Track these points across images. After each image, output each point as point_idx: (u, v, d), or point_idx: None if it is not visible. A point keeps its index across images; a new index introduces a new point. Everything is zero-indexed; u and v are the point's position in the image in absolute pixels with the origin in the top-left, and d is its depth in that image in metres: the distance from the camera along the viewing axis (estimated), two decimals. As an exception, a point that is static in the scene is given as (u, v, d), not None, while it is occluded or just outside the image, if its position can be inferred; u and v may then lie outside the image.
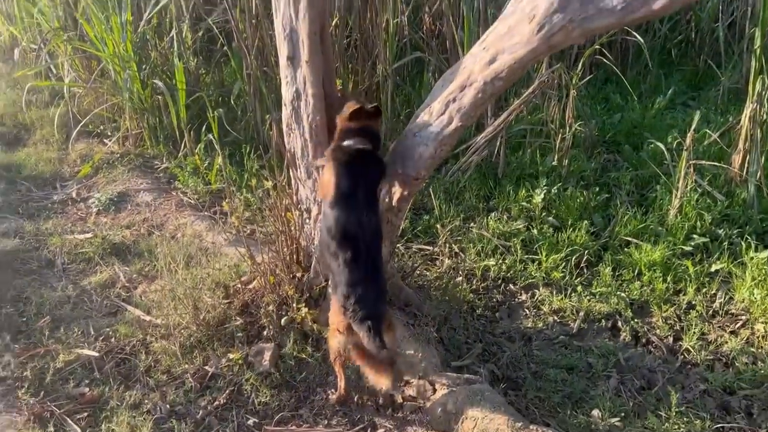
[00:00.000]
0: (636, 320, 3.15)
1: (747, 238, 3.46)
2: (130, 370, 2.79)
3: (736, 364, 2.87)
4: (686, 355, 2.96)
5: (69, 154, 4.80)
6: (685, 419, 2.54)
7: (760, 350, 2.94)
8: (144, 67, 4.58)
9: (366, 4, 4.58)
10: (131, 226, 3.92)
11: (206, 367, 2.75)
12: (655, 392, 2.73)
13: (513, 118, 3.97)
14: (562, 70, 4.31)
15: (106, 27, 4.43)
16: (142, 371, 2.76)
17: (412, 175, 2.54)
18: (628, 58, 5.60)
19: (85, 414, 2.56)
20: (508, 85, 2.53)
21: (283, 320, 2.83)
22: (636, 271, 3.42)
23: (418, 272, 3.39)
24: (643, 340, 3.07)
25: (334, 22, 4.50)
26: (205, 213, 3.97)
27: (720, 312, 3.18)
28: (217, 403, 2.61)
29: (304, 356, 2.77)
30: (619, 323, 3.15)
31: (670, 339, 3.06)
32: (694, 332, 3.03)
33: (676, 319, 3.16)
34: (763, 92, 3.67)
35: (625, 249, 3.56)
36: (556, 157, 4.15)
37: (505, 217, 3.80)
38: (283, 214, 2.88)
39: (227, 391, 2.65)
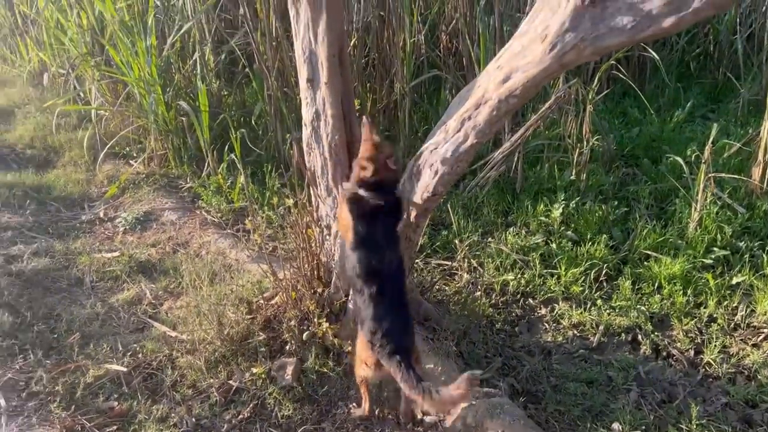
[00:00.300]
0: (656, 334, 3.15)
1: (768, 251, 3.45)
2: (157, 384, 2.86)
3: (759, 377, 2.86)
4: (707, 368, 2.95)
5: (96, 176, 4.93)
6: (706, 432, 2.54)
7: (782, 363, 2.92)
8: (168, 89, 4.71)
9: (383, 24, 4.68)
10: (157, 244, 4.02)
11: (230, 382, 2.81)
12: (676, 405, 2.73)
13: (530, 133, 4.00)
14: (578, 85, 4.35)
15: (132, 52, 4.57)
16: (169, 386, 2.83)
17: (429, 192, 2.58)
18: (646, 72, 5.62)
19: (115, 427, 2.62)
20: (523, 103, 2.58)
21: (304, 335, 2.88)
22: (656, 285, 3.42)
23: (437, 287, 3.43)
24: (664, 354, 3.07)
25: (352, 42, 4.60)
26: (229, 231, 4.05)
27: (742, 325, 3.17)
28: (241, 416, 2.66)
29: (325, 370, 2.82)
30: (640, 337, 3.15)
31: (691, 352, 3.05)
32: (716, 345, 3.02)
33: (697, 333, 3.15)
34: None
35: (645, 262, 3.56)
36: (574, 171, 4.18)
37: (523, 231, 3.83)
38: (303, 231, 2.94)
39: (251, 405, 2.70)
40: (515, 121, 4.48)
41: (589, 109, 4.11)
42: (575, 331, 3.23)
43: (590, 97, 4.11)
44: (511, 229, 3.86)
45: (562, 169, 4.27)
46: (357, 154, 2.79)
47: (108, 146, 4.85)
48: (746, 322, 3.17)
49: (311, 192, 3.04)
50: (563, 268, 3.53)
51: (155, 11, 4.63)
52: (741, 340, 3.09)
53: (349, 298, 2.87)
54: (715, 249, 3.54)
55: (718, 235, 3.61)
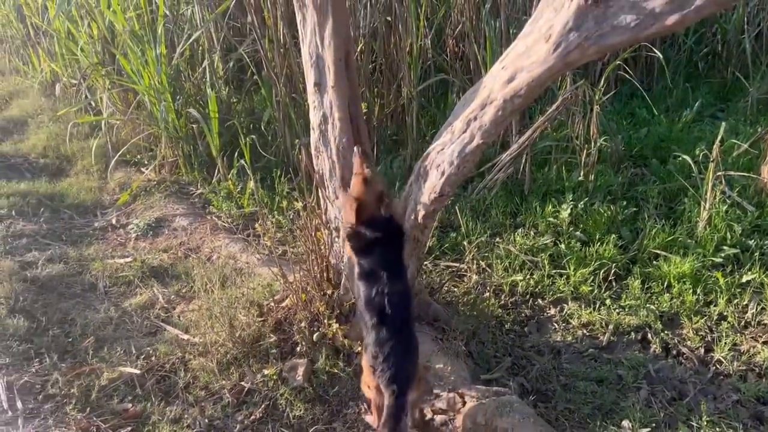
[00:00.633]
0: (666, 332, 3.15)
1: (779, 248, 3.45)
2: (170, 386, 2.90)
3: (770, 374, 2.85)
4: (718, 366, 2.95)
5: (108, 183, 5.00)
6: (717, 429, 2.53)
7: (794, 360, 2.91)
8: (178, 97, 4.77)
9: (390, 29, 4.72)
10: (168, 249, 4.07)
11: (242, 383, 2.84)
12: (687, 403, 2.73)
13: (538, 135, 4.02)
14: (586, 86, 4.36)
15: (142, 61, 4.63)
16: (182, 387, 2.86)
17: (437, 193, 2.61)
18: (653, 73, 5.61)
19: (129, 429, 2.66)
20: (528, 103, 2.60)
21: (315, 336, 2.91)
22: (665, 284, 3.41)
23: (446, 288, 3.44)
24: (674, 352, 3.06)
25: (359, 47, 4.64)
26: (239, 235, 4.09)
27: (752, 323, 3.16)
28: (253, 417, 2.69)
29: (336, 371, 2.85)
30: (649, 335, 3.15)
31: (702, 350, 3.05)
32: (726, 343, 3.02)
33: (707, 331, 3.15)
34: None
35: (654, 262, 3.56)
36: (582, 172, 4.18)
37: (532, 232, 3.84)
38: (313, 234, 2.97)
39: (263, 406, 2.73)
40: (523, 123, 4.50)
41: (597, 110, 4.12)
42: (585, 331, 3.23)
43: (597, 98, 4.12)
44: (520, 230, 3.87)
45: (570, 170, 4.27)
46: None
47: (119, 154, 4.92)
48: (757, 319, 3.16)
49: (320, 195, 3.07)
50: (572, 269, 3.53)
51: (164, 20, 4.69)
52: (751, 337, 3.08)
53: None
54: (724, 247, 3.53)
55: (728, 234, 3.60)
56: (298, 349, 2.95)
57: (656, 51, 4.92)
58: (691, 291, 3.30)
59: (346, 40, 2.73)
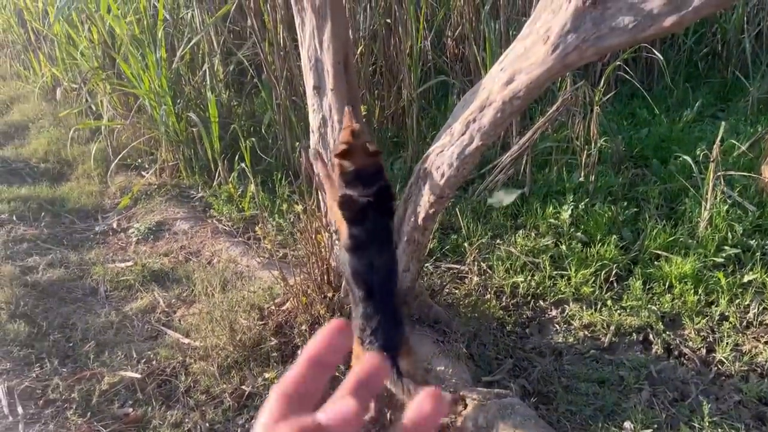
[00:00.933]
0: (668, 333, 3.14)
1: (780, 248, 3.44)
2: (170, 390, 2.90)
3: (772, 374, 2.85)
4: (720, 366, 2.94)
5: (109, 187, 5.00)
6: (719, 430, 2.52)
7: (796, 360, 2.90)
8: (178, 101, 4.77)
9: (390, 31, 4.72)
10: (169, 253, 4.07)
11: (243, 387, 2.84)
12: (689, 404, 2.72)
13: (538, 136, 4.02)
14: (586, 87, 4.36)
15: (142, 65, 4.64)
16: (183, 392, 2.86)
17: (436, 195, 2.61)
18: (653, 73, 5.61)
19: (130, 433, 2.67)
20: (527, 104, 2.60)
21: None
22: (667, 284, 3.41)
23: (447, 290, 3.44)
24: (676, 353, 3.06)
25: (359, 50, 4.65)
26: (240, 239, 4.09)
27: (754, 323, 3.15)
28: (254, 421, 2.68)
29: (336, 374, 2.84)
30: (651, 336, 3.14)
31: (703, 351, 3.04)
32: (728, 343, 3.01)
33: (708, 331, 3.14)
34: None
35: (655, 262, 3.55)
36: (582, 173, 4.18)
37: (533, 234, 3.84)
38: (313, 237, 2.97)
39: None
40: (523, 124, 4.50)
41: (597, 111, 4.12)
42: (586, 332, 3.23)
43: (598, 98, 4.12)
44: (521, 231, 3.86)
45: (571, 171, 4.27)
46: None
47: (120, 158, 4.92)
48: (759, 319, 3.16)
49: (320, 197, 3.07)
50: (573, 270, 3.53)
51: (164, 24, 4.70)
52: (753, 338, 3.07)
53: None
54: (726, 247, 3.53)
55: (729, 234, 3.60)
56: (298, 352, 2.94)
57: (656, 51, 4.92)
58: (692, 291, 3.30)
59: (345, 44, 2.73)
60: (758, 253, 3.47)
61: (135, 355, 3.12)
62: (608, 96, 4.55)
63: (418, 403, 0.54)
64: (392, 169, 4.55)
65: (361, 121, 2.70)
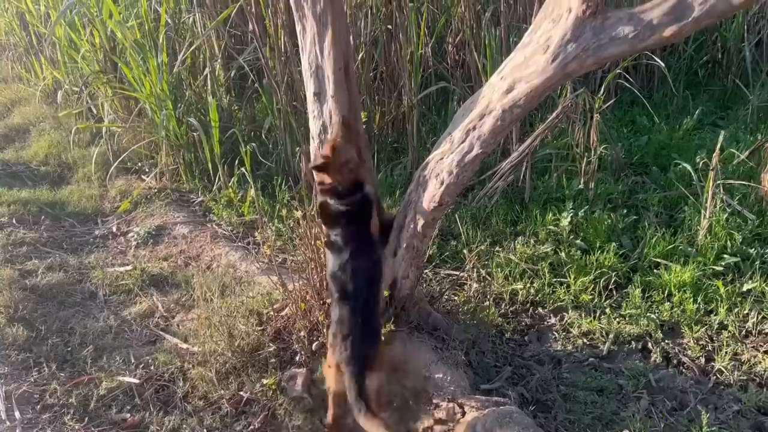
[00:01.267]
0: (667, 341, 3.14)
1: (779, 257, 3.44)
2: (168, 396, 2.89)
3: (771, 384, 2.84)
4: (719, 375, 2.94)
5: (109, 191, 5.00)
6: (718, 440, 2.52)
7: (795, 370, 2.90)
8: (179, 105, 4.78)
9: (391, 38, 4.73)
10: (169, 257, 4.07)
11: (241, 393, 2.83)
12: (687, 413, 2.72)
13: (538, 143, 4.03)
14: (586, 94, 4.36)
15: (144, 69, 4.64)
16: (180, 397, 2.86)
17: (436, 202, 2.61)
18: (654, 81, 5.62)
19: (127, 439, 2.67)
20: (526, 113, 2.61)
21: (314, 345, 2.91)
22: (666, 293, 3.41)
23: (446, 297, 3.44)
24: (674, 361, 3.05)
25: (360, 56, 4.66)
26: (239, 244, 4.09)
27: (753, 332, 3.16)
28: (252, 427, 2.68)
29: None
30: (650, 345, 3.14)
31: (702, 360, 3.04)
32: (727, 352, 3.01)
33: (707, 340, 3.14)
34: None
35: (655, 270, 3.55)
36: (582, 180, 4.18)
37: (532, 241, 3.83)
38: (312, 243, 2.97)
39: (262, 416, 2.73)
40: (523, 131, 4.51)
41: (597, 118, 4.12)
42: (585, 340, 3.22)
43: (598, 106, 4.12)
44: (520, 238, 3.86)
45: (571, 178, 4.27)
46: (364, 166, 2.83)
47: (120, 161, 4.92)
48: (758, 329, 3.16)
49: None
50: (572, 277, 3.53)
51: (166, 29, 4.71)
52: (752, 347, 3.07)
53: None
54: (725, 256, 3.53)
55: (728, 242, 3.60)
56: (297, 358, 2.94)
57: (657, 59, 4.92)
58: (691, 300, 3.30)
59: (345, 50, 2.74)
60: (758, 262, 3.47)
61: (133, 360, 3.12)
62: (608, 103, 4.56)
63: None
64: (392, 175, 4.55)
65: (357, 132, 2.70)
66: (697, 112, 5.07)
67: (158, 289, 3.74)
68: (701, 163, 3.96)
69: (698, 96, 5.51)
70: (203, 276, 3.69)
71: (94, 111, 5.74)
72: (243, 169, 4.30)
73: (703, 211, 3.67)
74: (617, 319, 3.28)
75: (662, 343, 3.12)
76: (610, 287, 3.49)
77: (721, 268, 3.46)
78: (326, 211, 2.50)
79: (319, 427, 2.69)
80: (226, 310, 3.18)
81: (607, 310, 3.33)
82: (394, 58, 4.74)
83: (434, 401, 2.68)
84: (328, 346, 2.42)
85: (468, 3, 4.64)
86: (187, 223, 4.42)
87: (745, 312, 3.24)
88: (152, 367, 3.07)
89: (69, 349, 3.23)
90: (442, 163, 2.58)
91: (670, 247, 3.63)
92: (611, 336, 3.19)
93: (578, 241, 3.78)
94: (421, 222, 2.72)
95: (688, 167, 3.98)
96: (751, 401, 2.74)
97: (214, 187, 4.63)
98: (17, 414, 2.78)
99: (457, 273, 3.69)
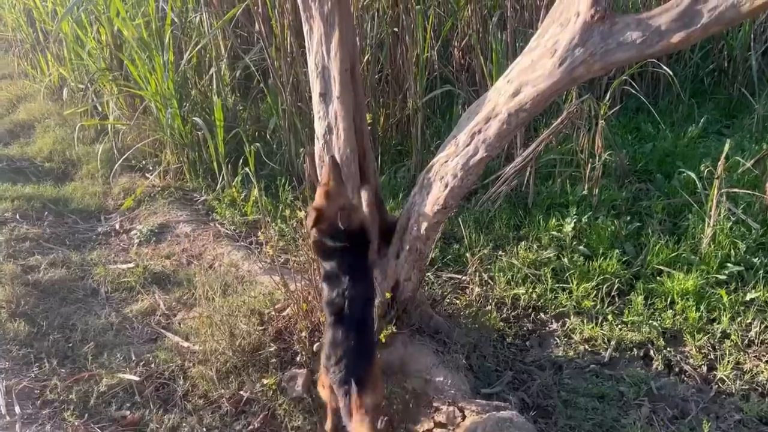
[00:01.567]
0: (669, 349, 3.14)
1: (783, 267, 3.43)
2: (168, 394, 2.89)
3: (773, 394, 2.83)
4: (721, 384, 2.93)
5: (113, 188, 5.00)
6: (719, 449, 2.51)
7: (797, 380, 2.89)
8: (184, 104, 4.78)
9: (397, 40, 4.74)
10: (171, 256, 4.07)
11: (241, 392, 2.83)
12: (688, 422, 2.71)
13: (542, 148, 4.02)
14: (591, 100, 4.36)
15: (149, 67, 4.65)
16: (181, 395, 2.85)
17: (440, 205, 2.61)
18: (659, 88, 5.62)
19: (126, 436, 2.66)
20: (532, 117, 2.61)
21: (315, 346, 2.90)
22: (668, 300, 3.40)
23: (447, 300, 3.43)
24: (676, 369, 3.05)
25: (366, 57, 4.66)
26: (242, 243, 4.09)
27: (756, 341, 3.15)
28: (251, 427, 2.68)
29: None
30: (652, 352, 3.13)
31: (704, 368, 3.03)
32: (729, 361, 3.00)
33: (710, 349, 3.13)
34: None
35: (658, 278, 3.55)
36: (586, 186, 4.18)
37: (535, 246, 3.83)
38: (315, 244, 2.96)
39: (261, 416, 2.72)
40: (528, 135, 4.51)
41: (602, 124, 4.12)
42: (586, 346, 3.22)
43: (603, 112, 4.12)
44: (523, 243, 3.86)
45: (575, 184, 4.27)
46: (368, 168, 2.84)
47: (124, 159, 4.93)
48: (760, 338, 3.14)
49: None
50: (575, 283, 3.52)
51: (172, 27, 4.71)
52: (755, 356, 3.06)
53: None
54: (728, 265, 3.52)
55: (732, 251, 3.59)
56: (298, 358, 2.94)
57: (663, 66, 4.92)
58: (694, 308, 3.29)
59: (352, 51, 2.74)
60: (761, 271, 3.46)
61: (134, 358, 3.12)
62: (614, 110, 4.55)
63: None
64: (396, 178, 4.56)
65: (362, 133, 2.69)
66: (702, 120, 5.06)
67: (160, 287, 3.74)
68: (706, 171, 3.94)
69: (704, 104, 5.51)
70: (205, 275, 3.69)
71: (99, 108, 5.75)
72: (247, 168, 4.30)
73: (707, 219, 3.66)
74: (619, 326, 3.28)
75: (664, 351, 3.11)
76: (612, 294, 3.49)
77: (724, 277, 3.45)
78: (322, 247, 2.49)
79: (319, 429, 2.68)
80: (228, 310, 3.17)
81: (609, 317, 3.33)
82: (400, 61, 4.74)
83: (434, 404, 2.68)
84: (322, 366, 2.42)
85: (475, 7, 4.64)
86: (190, 221, 4.42)
87: (748, 321, 3.23)
88: (153, 365, 3.06)
89: (70, 345, 3.23)
90: (447, 166, 2.58)
91: (674, 254, 3.62)
92: (613, 343, 3.18)
93: (581, 247, 3.77)
94: (424, 224, 2.71)
95: (693, 175, 3.98)
96: (753, 411, 2.73)
97: (218, 187, 4.63)
98: (17, 409, 2.77)
99: (460, 277, 3.68)
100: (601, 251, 3.70)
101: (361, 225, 2.51)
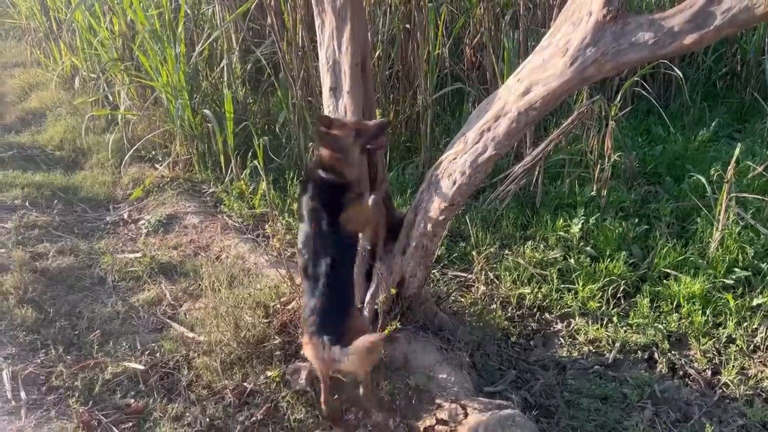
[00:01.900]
0: (673, 352, 3.12)
1: (791, 273, 3.41)
2: (173, 383, 2.91)
3: (777, 400, 2.82)
4: (725, 389, 2.92)
5: (122, 178, 5.03)
6: (721, 453, 2.50)
7: (802, 387, 2.87)
8: (195, 96, 4.80)
9: (408, 37, 4.73)
10: (178, 246, 4.09)
11: (245, 384, 2.84)
12: (691, 425, 2.70)
13: (552, 148, 4.01)
14: (602, 101, 4.34)
15: (161, 58, 4.67)
16: (185, 385, 2.87)
17: (447, 202, 2.61)
18: (671, 90, 5.59)
19: (130, 424, 2.68)
20: (542, 116, 2.60)
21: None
22: (674, 303, 3.38)
23: (452, 298, 3.44)
24: (680, 373, 3.04)
25: (377, 54, 4.66)
26: (249, 236, 4.11)
27: (761, 347, 3.13)
28: (254, 418, 2.69)
29: (339, 376, 2.83)
30: (656, 355, 3.12)
31: (709, 372, 3.02)
32: (734, 366, 2.98)
33: (715, 353, 3.12)
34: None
35: (664, 281, 3.53)
36: (595, 187, 4.17)
37: (541, 246, 3.82)
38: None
39: (264, 408, 2.73)
40: (537, 135, 4.49)
41: (612, 126, 4.10)
42: (591, 347, 3.21)
43: (613, 113, 4.10)
44: (530, 242, 3.85)
45: (583, 184, 4.25)
46: (377, 164, 2.84)
47: (134, 149, 4.95)
48: (766, 344, 3.12)
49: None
50: (581, 284, 3.51)
51: (185, 19, 4.73)
52: (760, 362, 3.05)
53: (364, 304, 2.89)
54: (736, 269, 3.50)
55: (740, 256, 3.57)
56: (301, 352, 2.94)
57: (675, 68, 4.90)
58: (700, 312, 3.27)
59: (363, 46, 2.74)
60: (769, 277, 3.44)
61: (139, 347, 3.14)
62: (624, 111, 4.53)
63: None
64: (404, 174, 4.56)
65: None
66: (713, 123, 5.04)
67: (167, 278, 3.76)
68: (716, 175, 3.92)
69: (715, 108, 5.48)
70: (212, 266, 3.71)
71: (111, 98, 5.77)
72: (255, 161, 4.31)
73: (715, 224, 3.64)
74: (624, 328, 3.27)
75: (669, 354, 3.10)
76: (618, 296, 3.48)
77: (731, 282, 3.44)
78: (314, 179, 2.56)
79: (321, 422, 2.69)
80: (234, 301, 3.19)
81: (615, 319, 3.32)
82: (411, 58, 4.74)
83: (437, 401, 2.68)
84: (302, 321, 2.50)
85: (488, 5, 4.63)
86: (198, 213, 4.44)
87: (754, 326, 3.22)
88: (158, 355, 3.08)
89: (76, 332, 3.26)
90: (455, 163, 2.58)
91: (681, 258, 3.61)
92: (617, 344, 3.17)
93: (588, 248, 3.76)
94: (431, 221, 2.71)
95: (702, 179, 3.95)
96: (757, 416, 2.72)
97: (226, 179, 4.64)
98: (23, 394, 2.80)
99: (465, 275, 3.68)
100: (608, 253, 3.69)
101: (354, 179, 2.56)
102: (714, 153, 4.72)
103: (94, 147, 5.46)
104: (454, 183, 2.57)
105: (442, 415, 2.63)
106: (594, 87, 4.71)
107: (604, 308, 3.40)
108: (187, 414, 2.72)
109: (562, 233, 3.86)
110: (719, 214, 3.61)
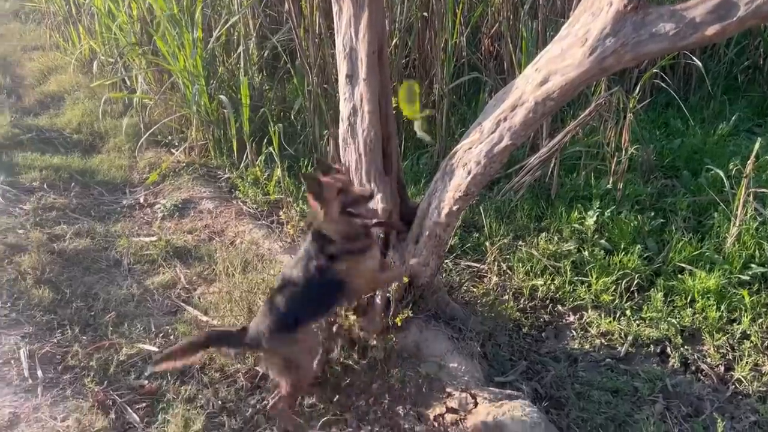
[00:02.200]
0: (686, 347, 3.11)
1: (808, 270, 3.37)
2: (186, 366, 2.93)
3: (791, 397, 2.80)
4: (737, 385, 2.90)
5: (138, 162, 5.06)
6: (732, 449, 2.49)
7: (817, 385, 2.85)
8: (212, 81, 4.81)
9: (426, 25, 4.71)
10: (193, 231, 4.12)
11: (257, 368, 2.87)
12: (702, 420, 2.69)
13: (568, 139, 3.98)
14: (620, 93, 4.30)
15: (179, 43, 4.68)
16: (198, 368, 2.90)
17: (462, 192, 2.60)
18: (691, 83, 5.51)
19: (144, 404, 2.72)
20: (560, 106, 2.58)
21: (334, 328, 2.92)
22: (689, 298, 3.36)
23: (465, 288, 3.44)
24: (693, 368, 3.02)
25: (394, 42, 4.64)
26: (263, 222, 4.13)
27: (776, 344, 3.10)
28: (265, 402, 2.71)
29: (350, 362, 2.85)
30: (669, 349, 3.11)
31: (722, 368, 3.00)
32: (747, 362, 2.96)
33: (728, 349, 3.10)
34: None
35: (679, 275, 3.51)
36: (611, 180, 4.13)
37: (555, 237, 3.80)
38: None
39: (276, 392, 2.75)
40: (554, 126, 4.46)
41: (630, 118, 4.06)
42: (603, 340, 3.20)
43: (632, 105, 4.06)
44: (544, 234, 3.83)
45: (599, 177, 4.22)
46: (392, 152, 2.83)
47: (150, 134, 4.98)
48: (781, 341, 3.10)
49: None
50: (594, 277, 3.50)
51: (202, 5, 4.73)
52: (775, 359, 3.02)
53: (376, 291, 2.90)
54: (752, 265, 3.46)
55: (757, 252, 3.53)
56: (314, 338, 2.96)
57: (696, 60, 4.82)
58: (714, 307, 3.25)
59: (380, 34, 2.73)
60: (786, 274, 3.40)
61: (153, 329, 3.18)
62: (643, 103, 4.48)
63: None
64: (418, 164, 4.55)
65: (386, 116, 2.70)
66: (733, 117, 4.97)
67: (181, 261, 3.79)
68: (734, 169, 3.87)
69: (736, 101, 5.39)
70: (226, 251, 3.73)
71: (128, 82, 5.80)
72: (271, 148, 4.32)
73: (732, 219, 3.60)
74: (637, 322, 3.25)
75: (681, 349, 3.09)
76: (632, 289, 3.46)
77: (747, 278, 3.40)
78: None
79: (332, 408, 2.71)
80: (247, 286, 3.21)
81: (628, 312, 3.30)
82: (428, 46, 4.71)
83: (447, 390, 2.69)
84: None
85: (506, -6, 4.59)
86: (213, 198, 4.47)
87: (769, 323, 3.19)
88: (172, 337, 3.12)
89: (92, 313, 3.31)
90: (471, 153, 2.57)
91: (696, 252, 3.58)
92: (630, 338, 3.16)
93: (602, 241, 3.74)
94: (445, 211, 2.71)
95: (721, 173, 3.91)
96: (769, 413, 2.70)
97: (242, 165, 4.66)
98: (40, 373, 2.85)
99: (478, 265, 3.68)
100: (622, 246, 3.67)
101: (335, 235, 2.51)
102: (733, 147, 4.66)
103: (111, 131, 5.50)
104: (469, 173, 2.56)
105: (452, 403, 2.64)
106: (613, 78, 4.66)
107: (617, 301, 3.38)
108: (200, 396, 2.75)
109: (576, 225, 3.84)
110: (737, 210, 3.58)
